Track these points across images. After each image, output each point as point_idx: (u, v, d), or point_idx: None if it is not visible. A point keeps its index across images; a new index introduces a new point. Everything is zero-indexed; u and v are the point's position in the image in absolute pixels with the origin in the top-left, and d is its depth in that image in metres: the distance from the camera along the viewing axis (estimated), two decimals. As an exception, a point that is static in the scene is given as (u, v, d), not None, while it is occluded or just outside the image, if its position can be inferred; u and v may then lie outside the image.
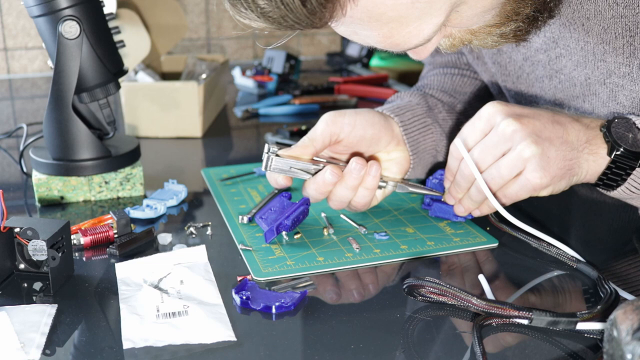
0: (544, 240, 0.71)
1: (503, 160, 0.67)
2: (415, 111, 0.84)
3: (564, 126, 0.68)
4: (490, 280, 0.65)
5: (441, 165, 0.84)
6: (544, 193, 0.69)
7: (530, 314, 0.56)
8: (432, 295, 0.60)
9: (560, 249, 0.70)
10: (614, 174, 0.68)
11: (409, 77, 1.94)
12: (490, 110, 0.69)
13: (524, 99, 0.88)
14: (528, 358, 0.55)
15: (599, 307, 0.57)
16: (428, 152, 0.84)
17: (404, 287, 0.62)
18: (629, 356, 0.46)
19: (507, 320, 0.58)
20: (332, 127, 0.75)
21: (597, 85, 0.75)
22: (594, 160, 0.68)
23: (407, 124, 0.82)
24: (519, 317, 0.57)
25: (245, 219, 0.78)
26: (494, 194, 0.70)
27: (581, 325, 0.56)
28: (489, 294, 0.63)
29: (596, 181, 0.70)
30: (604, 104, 0.75)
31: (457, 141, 0.71)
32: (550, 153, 0.66)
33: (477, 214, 0.75)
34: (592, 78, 0.75)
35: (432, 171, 0.86)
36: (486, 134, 0.69)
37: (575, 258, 0.69)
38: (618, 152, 0.67)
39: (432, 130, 0.84)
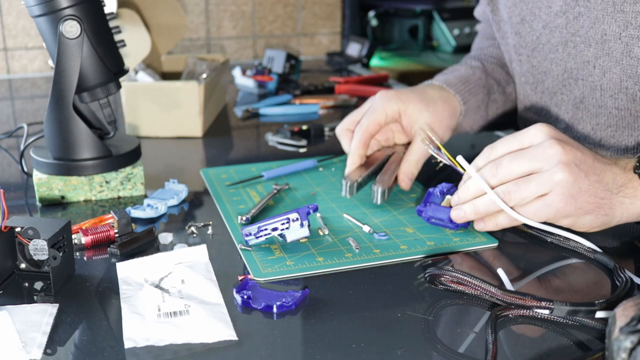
0: (560, 235, 0.72)
1: (534, 177, 0.67)
2: (467, 83, 0.94)
3: (603, 166, 0.68)
4: (491, 278, 0.66)
5: (445, 179, 0.82)
6: (564, 222, 0.69)
7: (551, 304, 0.58)
8: (452, 284, 0.62)
9: (578, 242, 0.71)
10: None
11: (409, 77, 1.94)
12: (538, 130, 0.69)
13: (534, 74, 0.90)
14: (540, 349, 0.55)
15: (616, 294, 0.60)
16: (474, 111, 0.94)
17: (425, 275, 0.64)
18: (615, 349, 0.47)
19: (525, 311, 0.59)
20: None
21: (613, 42, 0.76)
22: (631, 203, 0.68)
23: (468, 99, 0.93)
24: (540, 308, 0.58)
25: (244, 219, 0.78)
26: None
27: (600, 314, 0.58)
28: (508, 286, 0.64)
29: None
30: (617, 62, 0.76)
31: (477, 177, 0.70)
32: (583, 184, 0.66)
33: (480, 226, 0.73)
34: (608, 34, 0.76)
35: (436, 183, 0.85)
36: (523, 148, 0.69)
37: (592, 249, 0.70)
38: None
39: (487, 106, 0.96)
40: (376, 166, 0.87)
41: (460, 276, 0.61)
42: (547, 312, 0.58)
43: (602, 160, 0.68)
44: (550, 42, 0.85)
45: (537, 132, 0.68)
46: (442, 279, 0.62)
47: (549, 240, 0.73)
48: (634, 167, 0.69)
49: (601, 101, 0.84)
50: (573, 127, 0.90)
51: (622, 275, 0.63)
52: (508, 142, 0.70)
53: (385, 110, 0.86)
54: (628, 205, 0.69)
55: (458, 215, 0.73)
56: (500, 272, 0.66)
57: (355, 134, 0.87)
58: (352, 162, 0.86)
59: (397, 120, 0.88)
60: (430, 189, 0.78)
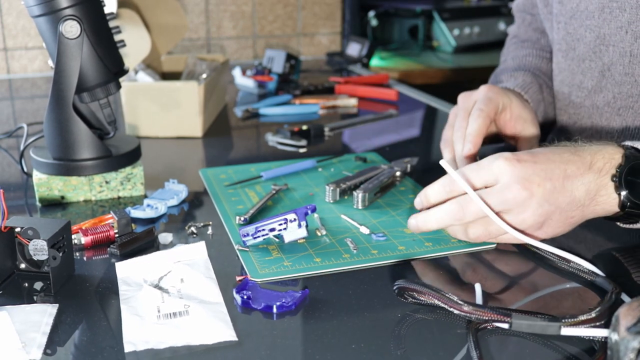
0: (563, 257, 0.69)
1: (506, 217, 0.67)
2: (533, 88, 1.01)
3: (574, 181, 0.66)
4: (489, 281, 0.66)
5: None
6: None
7: (509, 318, 0.56)
8: (421, 298, 0.60)
9: (579, 264, 0.68)
10: (629, 218, 0.69)
11: (409, 77, 1.94)
12: (501, 167, 0.66)
13: (567, 41, 0.95)
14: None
15: (590, 313, 0.56)
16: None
17: (394, 288, 0.62)
18: (622, 349, 0.47)
19: (491, 325, 0.57)
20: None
21: None
22: (602, 209, 0.68)
23: (532, 99, 1.00)
24: (499, 322, 0.56)
25: (242, 219, 0.78)
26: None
27: (566, 331, 0.55)
28: (479, 299, 0.62)
29: (609, 218, 0.71)
30: None
31: (455, 176, 0.69)
32: (554, 217, 0.67)
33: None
34: None
35: None
36: (487, 186, 0.68)
37: (593, 272, 0.66)
38: (628, 205, 0.67)
39: (541, 106, 1.02)
40: (365, 177, 0.89)
41: (426, 289, 0.59)
42: (506, 326, 0.56)
43: (574, 173, 0.66)
44: (587, 9, 0.89)
45: (502, 170, 0.66)
46: (412, 292, 0.61)
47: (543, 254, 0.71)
48: (612, 175, 0.67)
49: (629, 68, 0.86)
50: (595, 94, 0.92)
51: (613, 294, 0.60)
52: (472, 179, 0.68)
53: (498, 100, 0.88)
54: (599, 212, 0.69)
55: (412, 224, 0.72)
56: (477, 287, 0.63)
57: (474, 118, 0.85)
58: (473, 142, 0.84)
59: (501, 114, 0.91)
60: None
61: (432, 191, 0.71)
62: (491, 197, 0.66)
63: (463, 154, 0.84)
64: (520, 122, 0.91)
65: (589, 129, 0.94)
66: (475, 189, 0.68)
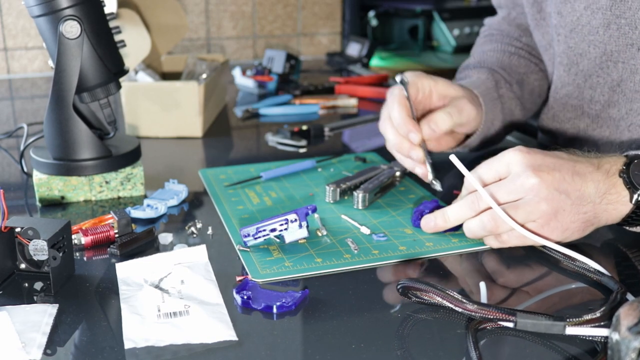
0: (568, 255, 0.69)
1: (518, 211, 0.67)
2: (487, 85, 0.96)
3: (584, 178, 0.68)
4: (492, 280, 0.66)
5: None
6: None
7: (514, 317, 0.55)
8: (425, 297, 0.60)
9: (585, 263, 0.67)
10: (639, 216, 0.69)
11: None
12: (512, 158, 0.68)
13: (569, 55, 0.91)
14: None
15: (595, 312, 0.56)
16: (488, 122, 0.93)
17: (398, 287, 0.62)
18: (623, 349, 0.47)
19: (495, 323, 0.57)
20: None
21: None
22: (614, 209, 0.69)
23: (484, 96, 0.93)
24: (504, 320, 0.56)
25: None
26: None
27: (570, 330, 0.55)
28: (484, 298, 0.62)
29: (620, 222, 0.71)
30: None
31: (469, 176, 0.70)
32: (566, 206, 0.67)
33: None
34: None
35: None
36: (501, 178, 0.69)
37: (598, 271, 0.66)
38: None
39: (497, 105, 0.95)
40: (365, 177, 0.89)
41: (431, 288, 0.59)
42: (511, 325, 0.56)
43: (583, 171, 0.68)
44: (590, 24, 0.86)
45: (513, 160, 0.68)
46: (415, 291, 0.61)
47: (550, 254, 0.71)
48: (619, 171, 0.68)
49: (639, 85, 0.85)
50: (608, 108, 0.91)
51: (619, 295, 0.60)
52: (485, 173, 0.70)
53: (417, 84, 0.86)
54: (611, 212, 0.69)
55: (427, 224, 0.75)
56: (482, 285, 0.63)
57: (395, 106, 0.83)
58: (404, 123, 0.83)
59: (428, 97, 0.87)
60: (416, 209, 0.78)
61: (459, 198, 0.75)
62: (502, 187, 0.68)
63: (417, 142, 0.83)
64: (447, 99, 0.87)
65: (606, 138, 0.92)
66: (488, 183, 0.69)
